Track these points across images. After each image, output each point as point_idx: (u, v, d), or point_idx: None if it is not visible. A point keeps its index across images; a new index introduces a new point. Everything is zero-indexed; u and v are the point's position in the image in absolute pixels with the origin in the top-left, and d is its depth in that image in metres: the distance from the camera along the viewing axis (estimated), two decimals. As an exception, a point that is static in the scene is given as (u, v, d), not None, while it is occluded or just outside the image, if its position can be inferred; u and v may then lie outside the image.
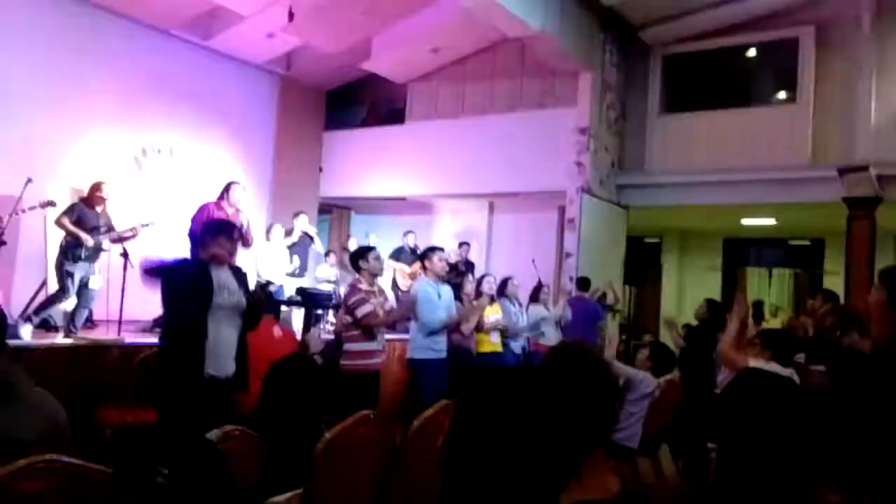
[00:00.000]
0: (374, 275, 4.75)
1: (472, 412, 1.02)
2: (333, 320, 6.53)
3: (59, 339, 5.47)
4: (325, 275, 9.15)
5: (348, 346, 4.56)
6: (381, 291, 4.83)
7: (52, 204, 5.99)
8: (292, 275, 7.98)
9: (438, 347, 5.12)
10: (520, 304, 7.12)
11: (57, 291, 5.88)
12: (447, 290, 5.37)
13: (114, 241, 6.04)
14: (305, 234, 8.32)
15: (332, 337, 5.45)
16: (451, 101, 10.89)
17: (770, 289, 12.16)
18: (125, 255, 5.60)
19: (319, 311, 7.15)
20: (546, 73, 9.98)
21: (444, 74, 10.99)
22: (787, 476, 1.15)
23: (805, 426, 1.19)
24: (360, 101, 11.86)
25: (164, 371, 3.58)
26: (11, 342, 4.74)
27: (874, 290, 2.33)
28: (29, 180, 5.53)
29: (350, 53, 10.09)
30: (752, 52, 9.74)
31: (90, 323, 7.00)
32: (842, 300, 6.83)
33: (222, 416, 3.28)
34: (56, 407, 1.77)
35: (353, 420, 2.29)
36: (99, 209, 6.04)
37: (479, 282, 6.14)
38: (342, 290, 6.67)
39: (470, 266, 8.64)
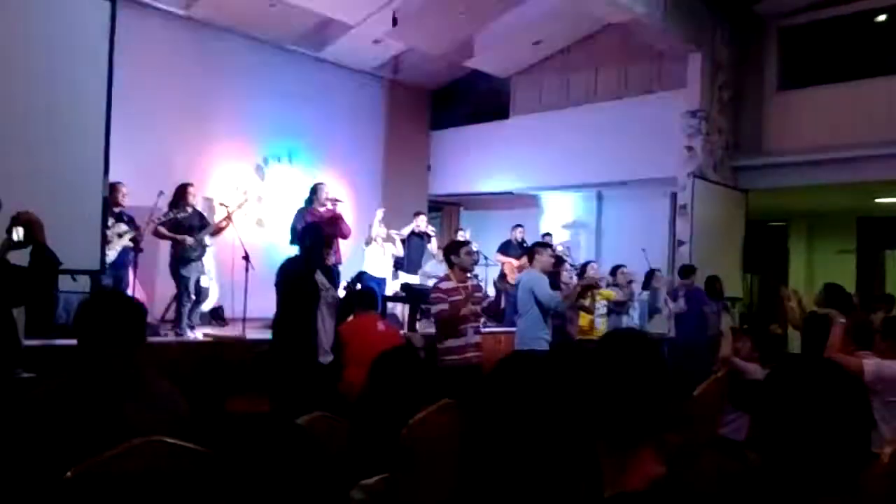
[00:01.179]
0: (465, 270, 4.79)
1: (495, 395, 1.07)
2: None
3: (192, 336, 5.92)
4: (434, 270, 9.35)
5: (441, 343, 4.66)
6: (477, 287, 4.88)
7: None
8: (403, 269, 8.21)
9: (549, 338, 5.11)
10: (631, 294, 7.00)
11: (179, 297, 6.15)
12: None
13: (213, 234, 6.32)
14: (425, 233, 8.56)
15: (432, 331, 5.59)
16: (555, 92, 10.79)
17: (913, 272, 11.14)
18: (246, 257, 5.99)
19: (427, 306, 7.32)
20: (652, 56, 9.67)
21: (547, 66, 10.90)
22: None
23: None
24: (464, 99, 11.98)
25: (281, 361, 3.91)
26: (151, 339, 5.25)
27: None
28: (161, 193, 6.05)
29: (453, 52, 10.24)
30: (879, 18, 8.96)
31: (222, 321, 7.58)
32: None
33: (327, 400, 3.54)
34: (178, 399, 1.96)
35: (436, 408, 2.38)
36: (189, 210, 6.24)
37: (584, 269, 6.09)
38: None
39: (559, 261, 8.56)
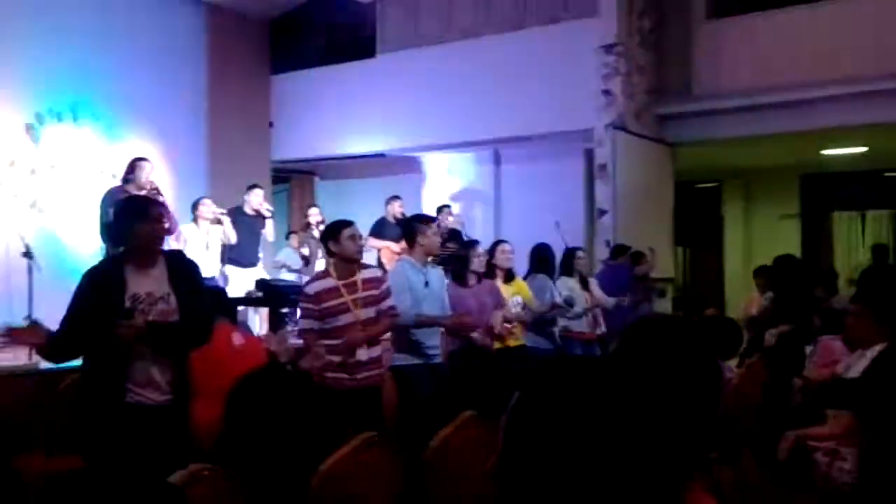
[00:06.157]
0: (350, 260, 4.64)
1: (529, 420, 1.01)
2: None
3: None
4: (287, 260, 9.15)
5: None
6: (373, 280, 4.74)
7: None
8: (235, 262, 7.99)
9: (424, 350, 5.06)
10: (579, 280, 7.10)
11: None
12: (437, 276, 5.32)
13: None
14: (258, 213, 8.33)
15: (300, 342, 5.47)
16: (434, 20, 10.77)
17: (864, 236, 12.18)
18: (28, 254, 5.59)
19: (285, 309, 7.17)
20: (556, -26, 9.88)
21: (424, -13, 10.90)
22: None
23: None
24: (315, 31, 11.76)
25: (79, 400, 3.69)
26: None
27: None
28: None
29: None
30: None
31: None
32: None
33: (166, 453, 3.35)
34: None
35: (356, 445, 2.29)
36: None
37: (492, 253, 6.07)
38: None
39: (454, 235, 8.65)
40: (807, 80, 9.04)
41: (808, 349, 5.62)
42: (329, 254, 4.68)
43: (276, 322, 6.68)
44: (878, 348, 3.57)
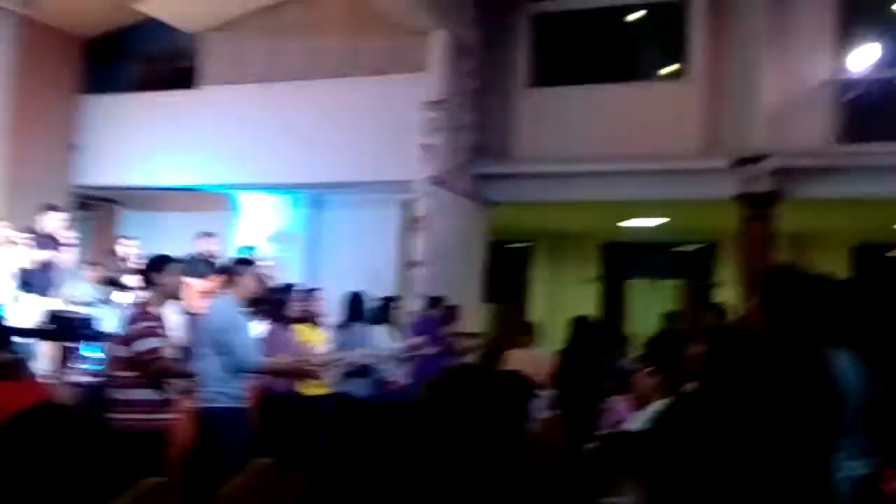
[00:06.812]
0: (174, 297, 4.67)
1: (334, 471, 0.92)
2: (96, 355, 6.14)
3: None
4: (82, 293, 8.54)
5: (122, 394, 4.32)
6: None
7: None
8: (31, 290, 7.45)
9: (242, 393, 4.99)
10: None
11: None
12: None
13: None
14: (53, 238, 7.80)
15: (94, 379, 5.11)
16: (260, 60, 10.66)
17: (655, 303, 12.86)
18: None
19: (73, 344, 6.70)
20: (388, 28, 9.97)
21: (253, 24, 10.76)
22: None
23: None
24: (132, 56, 11.39)
25: None
26: None
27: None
28: None
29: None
30: (635, 16, 10.31)
31: None
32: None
33: None
34: None
35: (138, 493, 2.09)
36: None
37: (306, 299, 6.02)
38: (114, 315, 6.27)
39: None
40: (611, 152, 9.55)
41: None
42: (148, 287, 4.54)
43: (65, 356, 6.18)
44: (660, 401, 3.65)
